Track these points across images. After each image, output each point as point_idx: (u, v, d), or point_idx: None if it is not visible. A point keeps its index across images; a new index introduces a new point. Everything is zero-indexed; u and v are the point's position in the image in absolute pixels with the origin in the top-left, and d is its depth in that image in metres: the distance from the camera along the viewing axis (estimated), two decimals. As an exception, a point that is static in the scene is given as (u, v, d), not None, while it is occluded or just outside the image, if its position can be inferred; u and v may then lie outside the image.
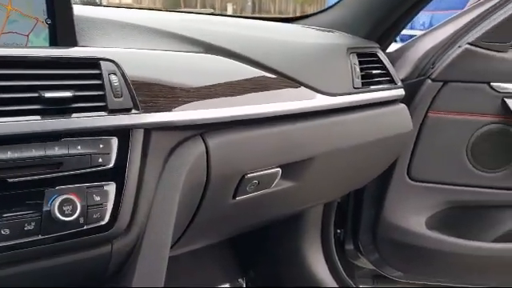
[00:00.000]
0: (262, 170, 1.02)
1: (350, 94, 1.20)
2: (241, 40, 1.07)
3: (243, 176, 0.98)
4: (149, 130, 0.80)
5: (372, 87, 1.27)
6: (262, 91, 1.01)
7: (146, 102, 0.80)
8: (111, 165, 0.75)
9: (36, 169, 0.69)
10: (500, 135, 1.48)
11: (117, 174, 0.75)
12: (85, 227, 0.73)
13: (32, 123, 0.68)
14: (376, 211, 1.56)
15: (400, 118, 1.37)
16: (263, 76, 1.03)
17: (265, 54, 1.06)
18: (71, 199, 0.70)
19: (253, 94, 0.99)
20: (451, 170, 1.51)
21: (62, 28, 0.79)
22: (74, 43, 0.79)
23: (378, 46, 1.38)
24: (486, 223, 1.54)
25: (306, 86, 1.10)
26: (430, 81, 1.46)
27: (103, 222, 0.74)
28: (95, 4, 1.31)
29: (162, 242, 0.84)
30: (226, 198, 1.00)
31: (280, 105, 1.02)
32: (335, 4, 1.44)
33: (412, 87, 1.45)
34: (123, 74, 0.78)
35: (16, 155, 0.67)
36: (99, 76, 0.75)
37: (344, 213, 1.66)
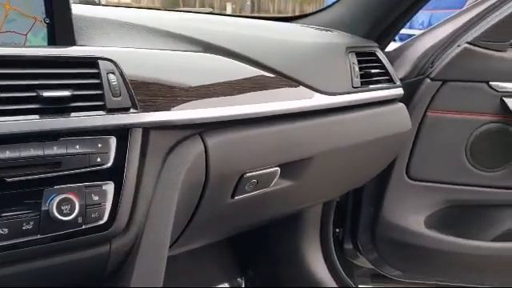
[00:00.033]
0: (260, 170, 1.02)
1: (348, 93, 1.20)
2: (240, 39, 1.06)
3: (242, 175, 0.98)
4: (147, 129, 0.80)
5: (371, 86, 1.27)
6: (260, 90, 1.01)
7: (145, 102, 0.80)
8: (109, 164, 0.75)
9: (34, 168, 0.69)
10: (499, 134, 1.48)
11: (115, 174, 0.75)
12: (83, 227, 0.72)
13: (30, 122, 0.68)
14: (375, 210, 1.56)
15: (399, 118, 1.37)
16: (262, 75, 1.03)
17: (264, 54, 1.06)
18: (69, 199, 0.70)
19: (252, 93, 0.99)
20: (450, 169, 1.51)
21: (60, 27, 0.79)
22: (72, 42, 0.79)
23: (376, 45, 1.38)
24: (484, 222, 1.55)
25: (305, 86, 1.10)
26: (428, 80, 1.46)
27: (102, 222, 0.74)
28: (94, 3, 1.30)
29: (160, 242, 0.84)
30: (224, 198, 1.00)
31: (279, 104, 1.02)
32: (334, 3, 1.44)
33: (411, 86, 1.45)
34: (122, 74, 0.77)
35: (14, 155, 0.67)
36: (97, 75, 0.75)
37: (343, 212, 1.66)
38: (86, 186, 0.73)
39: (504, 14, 1.43)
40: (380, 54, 1.35)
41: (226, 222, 1.15)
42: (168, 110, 0.83)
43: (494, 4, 1.45)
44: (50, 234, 0.70)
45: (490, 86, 1.45)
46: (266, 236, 1.64)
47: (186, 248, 1.21)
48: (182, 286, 1.52)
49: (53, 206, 0.69)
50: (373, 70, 1.29)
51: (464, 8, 1.54)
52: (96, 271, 0.81)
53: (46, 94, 0.69)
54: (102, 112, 0.74)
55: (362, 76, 1.25)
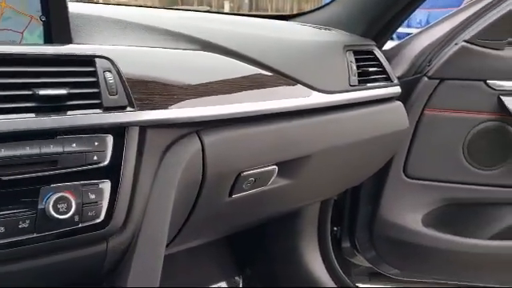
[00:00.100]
0: (258, 168, 1.01)
1: (346, 91, 1.20)
2: (237, 38, 1.06)
3: (239, 174, 0.98)
4: (144, 127, 0.80)
5: (368, 85, 1.27)
6: (258, 89, 1.01)
7: (142, 100, 0.79)
8: (106, 162, 0.74)
9: (31, 167, 0.69)
10: (496, 133, 1.48)
11: (112, 172, 0.75)
12: (80, 225, 0.72)
13: (27, 121, 0.68)
14: (372, 209, 1.56)
15: (396, 116, 1.37)
16: (259, 73, 1.02)
17: (261, 52, 1.06)
18: (66, 197, 0.70)
19: (249, 91, 0.99)
20: (447, 167, 1.51)
21: (56, 25, 0.78)
22: (68, 40, 0.79)
23: (374, 43, 1.38)
24: (482, 221, 1.55)
25: (303, 84, 1.10)
26: (426, 78, 1.46)
27: (98, 220, 0.74)
28: (91, 1, 1.30)
29: (157, 240, 0.84)
30: (222, 196, 1.00)
31: (276, 102, 1.02)
32: (332, 1, 1.44)
33: (408, 85, 1.45)
34: (118, 72, 0.77)
35: (10, 153, 0.67)
36: (94, 73, 0.75)
37: (341, 210, 1.66)
38: (82, 185, 0.72)
39: (501, 13, 1.43)
40: (377, 53, 1.35)
41: (223, 220, 1.15)
42: (165, 108, 0.83)
43: (491, 2, 1.45)
44: (47, 232, 0.70)
45: (488, 85, 1.45)
46: (263, 234, 1.64)
47: (183, 247, 1.21)
48: (180, 285, 1.52)
49: (49, 204, 0.69)
50: (370, 69, 1.29)
51: (461, 6, 1.54)
52: (93, 270, 0.81)
53: (43, 92, 0.69)
54: (98, 110, 0.74)
55: (359, 74, 1.25)
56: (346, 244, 1.68)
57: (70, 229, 0.72)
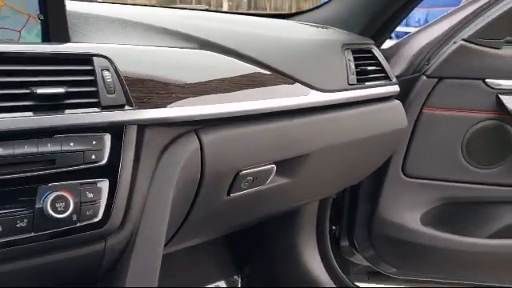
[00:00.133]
0: (256, 167, 1.01)
1: (344, 90, 1.20)
2: (235, 36, 1.06)
3: (238, 172, 0.98)
4: (142, 126, 0.80)
5: (367, 83, 1.27)
6: (256, 87, 1.01)
7: (140, 99, 0.79)
8: (104, 161, 0.74)
9: (28, 165, 0.69)
10: (495, 131, 1.48)
11: (110, 171, 0.75)
12: (78, 224, 0.72)
13: (24, 120, 0.68)
14: (371, 208, 1.56)
15: (395, 115, 1.37)
16: (258, 72, 1.02)
17: (259, 51, 1.06)
18: (64, 196, 0.70)
19: (247, 90, 0.99)
20: (446, 166, 1.51)
21: (54, 24, 0.78)
22: (66, 39, 0.79)
23: (372, 42, 1.38)
24: (480, 219, 1.55)
25: (301, 83, 1.09)
26: (424, 77, 1.46)
27: (96, 219, 0.74)
28: (89, 0, 1.30)
29: (155, 239, 0.84)
30: (220, 195, 1.00)
31: (275, 101, 1.02)
32: (330, 0, 1.44)
33: (407, 83, 1.45)
34: (116, 70, 0.77)
35: (8, 152, 0.67)
36: (92, 72, 0.75)
37: (339, 209, 1.66)
38: (80, 184, 0.72)
39: (500, 12, 1.43)
40: (376, 51, 1.35)
41: (221, 219, 1.14)
42: (163, 107, 0.83)
43: (489, 1, 1.45)
44: (44, 231, 0.70)
45: (486, 84, 1.45)
46: (262, 233, 1.64)
47: (181, 246, 1.21)
48: (179, 284, 1.52)
49: (47, 203, 0.69)
50: (369, 67, 1.29)
51: (460, 5, 1.54)
52: (91, 269, 0.81)
53: (40, 90, 0.69)
54: (96, 109, 0.74)
55: (358, 73, 1.25)
56: (345, 243, 1.68)
57: (68, 228, 0.71)
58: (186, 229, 1.01)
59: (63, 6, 0.78)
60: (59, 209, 0.69)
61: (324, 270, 1.64)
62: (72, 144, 0.72)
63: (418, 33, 1.55)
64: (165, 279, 0.94)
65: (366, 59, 1.31)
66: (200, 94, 0.89)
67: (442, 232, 1.50)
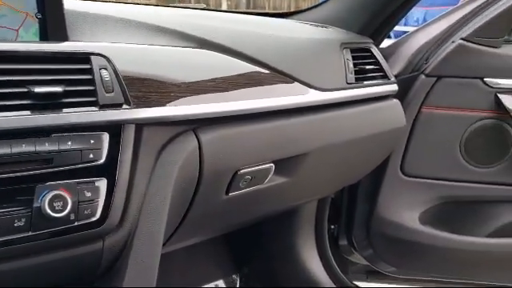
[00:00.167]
0: (255, 166, 1.01)
1: (343, 89, 1.19)
2: (234, 35, 1.06)
3: (236, 171, 0.98)
4: (140, 125, 0.80)
5: (365, 82, 1.27)
6: (255, 86, 1.00)
7: (138, 97, 0.79)
8: (102, 160, 0.74)
9: (26, 164, 0.69)
10: (493, 130, 1.48)
11: (108, 170, 0.75)
12: (76, 223, 0.72)
13: (22, 118, 0.68)
14: (370, 207, 1.56)
15: (393, 114, 1.37)
16: (256, 71, 1.02)
17: (258, 50, 1.05)
18: (62, 195, 0.70)
19: (246, 89, 0.98)
20: (445, 165, 1.51)
21: (52, 22, 0.78)
22: (64, 38, 0.78)
23: (371, 41, 1.38)
24: (479, 218, 1.55)
25: (300, 82, 1.09)
26: (423, 76, 1.46)
27: (94, 218, 0.74)
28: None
29: (154, 238, 0.84)
30: (218, 194, 1.00)
31: (273, 100, 1.02)
32: (328, -1, 1.44)
33: (405, 82, 1.45)
34: (114, 69, 0.77)
35: (6, 151, 0.66)
36: (90, 71, 0.75)
37: (338, 208, 1.66)
38: (78, 183, 0.72)
39: (498, 11, 1.43)
40: (374, 50, 1.35)
41: (220, 218, 1.14)
42: (161, 105, 0.82)
43: (487, 0, 1.45)
44: (42, 230, 0.70)
45: (485, 82, 1.45)
46: (260, 233, 1.64)
47: (180, 245, 1.21)
48: (177, 284, 1.51)
49: (45, 202, 0.68)
50: (367, 66, 1.29)
51: (458, 4, 1.54)
52: (89, 268, 0.81)
53: (38, 89, 0.69)
54: (94, 108, 0.74)
55: (356, 72, 1.25)
56: (344, 242, 1.68)
57: (66, 227, 0.71)
58: (184, 228, 1.00)
59: (61, 4, 0.77)
60: (57, 208, 0.69)
61: (323, 269, 1.64)
62: (70, 143, 0.71)
63: (417, 32, 1.55)
64: (163, 279, 0.93)
65: (364, 58, 1.31)
66: (198, 93, 0.89)
67: (440, 231, 1.51)
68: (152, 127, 0.82)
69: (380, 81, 1.32)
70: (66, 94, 0.71)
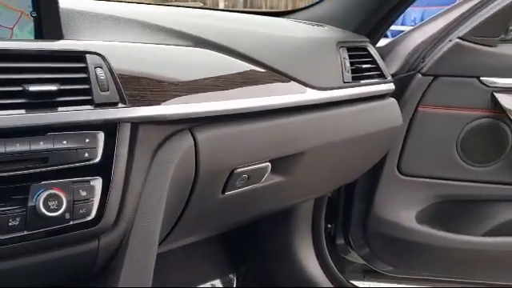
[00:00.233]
0: (251, 165, 1.01)
1: (339, 88, 1.19)
2: (230, 34, 1.06)
3: (232, 171, 0.98)
4: (136, 124, 0.79)
5: (362, 81, 1.27)
6: (251, 85, 1.00)
7: (134, 96, 0.79)
8: (97, 159, 0.74)
9: (21, 163, 0.68)
10: (490, 129, 1.48)
11: (103, 169, 0.74)
12: (71, 223, 0.72)
13: (16, 117, 0.67)
14: (366, 206, 1.56)
15: (390, 113, 1.37)
16: (253, 70, 1.02)
17: (254, 48, 1.05)
18: (57, 194, 0.69)
19: (242, 88, 0.98)
20: (441, 164, 1.51)
21: (47, 21, 0.77)
22: (59, 36, 0.78)
23: (368, 40, 1.38)
24: (475, 217, 1.55)
25: (296, 80, 1.09)
26: (420, 75, 1.46)
27: (90, 218, 0.73)
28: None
29: (149, 238, 0.83)
30: (215, 193, 0.99)
31: (270, 99, 1.02)
32: (325, -2, 1.44)
33: (402, 82, 1.45)
34: (110, 68, 0.77)
35: (0, 150, 0.66)
36: (85, 69, 0.74)
37: (335, 207, 1.66)
38: (73, 182, 0.72)
39: (494, 10, 1.43)
40: (371, 49, 1.35)
41: (216, 217, 1.14)
42: (157, 104, 0.82)
43: (483, 0, 1.45)
44: (37, 230, 0.69)
45: (481, 82, 1.45)
46: (257, 232, 1.64)
47: (176, 244, 1.21)
48: (173, 283, 1.51)
49: (39, 201, 0.68)
50: (364, 65, 1.29)
51: (455, 3, 1.54)
52: (84, 268, 0.80)
53: (33, 88, 0.68)
54: (89, 107, 0.73)
55: (353, 71, 1.25)
56: (340, 241, 1.68)
57: (61, 226, 0.71)
58: (180, 227, 1.00)
59: (56, 2, 0.77)
60: (52, 207, 0.69)
61: (319, 268, 1.64)
62: (65, 142, 0.71)
63: (413, 31, 1.55)
64: (159, 278, 0.93)
65: (361, 57, 1.30)
66: (194, 92, 0.89)
67: (437, 230, 1.51)
68: (148, 126, 0.81)
69: (377, 80, 1.32)
70: (61, 92, 0.71)
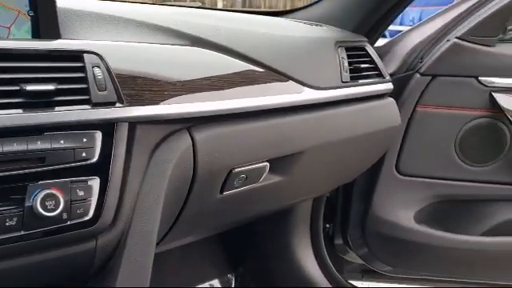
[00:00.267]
0: (249, 165, 1.01)
1: (338, 87, 1.19)
2: (228, 33, 1.05)
3: (231, 170, 0.97)
4: (134, 123, 0.79)
5: (360, 81, 1.27)
6: (249, 85, 1.00)
7: (131, 96, 0.79)
8: (95, 159, 0.74)
9: (18, 163, 0.68)
10: (488, 129, 1.48)
11: (101, 169, 0.74)
12: (68, 223, 0.71)
13: (13, 117, 0.67)
14: (365, 206, 1.56)
15: (388, 112, 1.37)
16: (251, 69, 1.02)
17: (252, 48, 1.05)
18: (54, 194, 0.69)
19: (240, 87, 0.98)
20: (439, 164, 1.51)
21: (44, 20, 0.77)
22: (57, 36, 0.78)
23: (366, 39, 1.38)
24: (473, 217, 1.55)
25: (294, 80, 1.09)
26: (418, 75, 1.46)
27: (87, 218, 0.73)
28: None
29: (147, 238, 0.83)
30: (213, 193, 0.99)
31: (268, 98, 1.02)
32: (323, -3, 1.44)
33: (400, 81, 1.45)
34: (107, 67, 0.76)
35: None
36: (82, 69, 0.74)
37: (333, 207, 1.66)
38: (71, 182, 0.72)
39: (492, 10, 1.43)
40: (369, 49, 1.35)
41: (214, 217, 1.14)
42: (155, 104, 0.82)
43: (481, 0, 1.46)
44: (34, 230, 0.69)
45: (479, 81, 1.45)
46: (256, 232, 1.64)
47: (174, 244, 1.21)
48: (172, 284, 1.51)
49: (37, 201, 0.68)
50: (362, 65, 1.29)
51: (453, 3, 1.54)
52: (82, 268, 0.80)
53: (30, 87, 0.68)
54: (87, 106, 0.73)
55: (351, 71, 1.24)
56: (339, 241, 1.68)
57: (58, 226, 0.71)
58: (178, 227, 1.00)
59: (53, 2, 0.77)
60: (49, 207, 0.69)
61: (318, 268, 1.64)
62: (62, 141, 0.71)
63: (412, 31, 1.55)
64: (157, 278, 0.93)
65: (359, 57, 1.30)
66: (192, 92, 0.88)
67: (435, 230, 1.51)
68: (145, 125, 0.81)
69: (375, 79, 1.32)
70: (59, 92, 0.71)
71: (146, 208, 0.82)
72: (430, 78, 1.46)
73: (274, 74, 1.05)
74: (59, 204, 0.70)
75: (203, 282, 1.67)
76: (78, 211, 0.72)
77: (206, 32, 1.00)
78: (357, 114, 1.25)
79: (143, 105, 0.80)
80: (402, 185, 1.53)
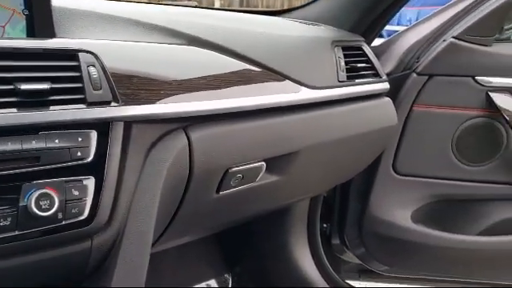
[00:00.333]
0: (246, 164, 1.01)
1: (334, 87, 1.19)
2: (225, 32, 1.05)
3: (227, 170, 0.97)
4: (129, 123, 0.79)
5: (357, 81, 1.26)
6: (246, 84, 1.00)
7: (127, 95, 0.78)
8: (90, 159, 0.73)
9: (12, 163, 0.68)
10: (484, 129, 1.48)
11: (96, 168, 0.74)
12: (63, 222, 0.71)
13: (8, 116, 0.67)
14: (362, 205, 1.56)
15: (385, 112, 1.37)
16: (247, 69, 1.02)
17: (249, 47, 1.05)
18: (49, 194, 0.69)
19: (237, 86, 0.98)
20: (436, 163, 1.51)
21: (39, 19, 0.77)
22: (52, 35, 0.77)
23: (363, 39, 1.38)
24: (470, 217, 1.55)
25: (291, 79, 1.09)
26: (415, 75, 1.46)
27: (82, 217, 0.73)
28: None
29: (143, 238, 0.83)
30: (209, 193, 0.99)
31: (264, 98, 1.02)
32: (320, -3, 1.44)
33: (397, 81, 1.45)
34: (102, 66, 0.76)
35: None
36: (77, 68, 0.74)
37: (330, 207, 1.66)
38: (65, 181, 0.71)
39: (489, 9, 1.43)
40: (366, 49, 1.35)
41: (211, 217, 1.14)
42: (151, 103, 0.82)
43: (478, -1, 1.46)
44: (29, 230, 0.69)
45: (476, 81, 1.45)
46: (253, 232, 1.63)
47: (171, 244, 1.20)
48: (168, 284, 1.51)
49: (31, 201, 0.68)
50: (359, 65, 1.29)
51: (450, 3, 1.54)
52: (77, 268, 0.80)
53: (24, 86, 0.68)
54: (82, 105, 0.73)
55: (348, 70, 1.24)
56: (336, 241, 1.68)
57: (53, 226, 0.70)
58: (174, 227, 1.00)
59: (48, 0, 0.76)
60: (44, 207, 0.68)
61: (315, 268, 1.63)
62: (57, 141, 0.70)
63: (408, 30, 1.56)
64: (154, 278, 0.93)
65: (356, 56, 1.30)
66: (188, 91, 0.88)
67: (432, 229, 1.51)
68: (141, 125, 0.81)
69: (372, 79, 1.32)
70: (54, 91, 0.70)
71: (142, 208, 0.81)
72: (426, 77, 1.46)
73: (270, 74, 1.05)
74: (54, 204, 0.69)
75: (200, 282, 1.66)
76: (73, 211, 0.72)
77: (203, 31, 1.00)
78: (353, 114, 1.25)
79: (139, 104, 0.80)
80: (399, 184, 1.53)
